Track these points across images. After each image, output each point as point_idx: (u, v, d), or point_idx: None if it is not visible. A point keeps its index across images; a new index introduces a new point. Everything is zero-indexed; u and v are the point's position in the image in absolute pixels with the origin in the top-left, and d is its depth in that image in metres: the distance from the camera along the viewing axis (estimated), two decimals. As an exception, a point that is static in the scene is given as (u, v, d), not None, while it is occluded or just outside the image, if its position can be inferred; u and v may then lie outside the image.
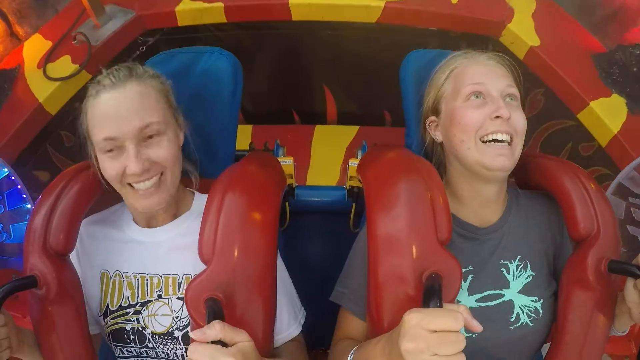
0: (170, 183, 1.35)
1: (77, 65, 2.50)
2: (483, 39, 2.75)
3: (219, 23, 2.81)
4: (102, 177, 1.38)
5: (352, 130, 3.41)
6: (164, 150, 1.32)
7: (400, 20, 2.74)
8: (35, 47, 2.63)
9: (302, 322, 1.45)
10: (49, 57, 2.55)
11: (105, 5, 2.63)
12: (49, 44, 2.59)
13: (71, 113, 2.70)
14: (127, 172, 1.28)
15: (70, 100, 2.56)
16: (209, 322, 1.06)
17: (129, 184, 1.32)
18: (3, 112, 2.48)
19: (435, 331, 0.93)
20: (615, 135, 2.33)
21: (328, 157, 3.24)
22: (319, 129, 3.48)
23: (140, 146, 1.29)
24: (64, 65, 2.52)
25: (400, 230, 1.18)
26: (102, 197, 1.47)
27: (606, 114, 2.37)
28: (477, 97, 1.35)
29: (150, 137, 1.30)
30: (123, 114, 1.27)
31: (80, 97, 2.60)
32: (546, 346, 1.38)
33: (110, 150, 1.29)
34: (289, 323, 1.40)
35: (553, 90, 2.56)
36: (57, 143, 2.76)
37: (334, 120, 3.58)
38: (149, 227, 1.46)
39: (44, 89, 2.48)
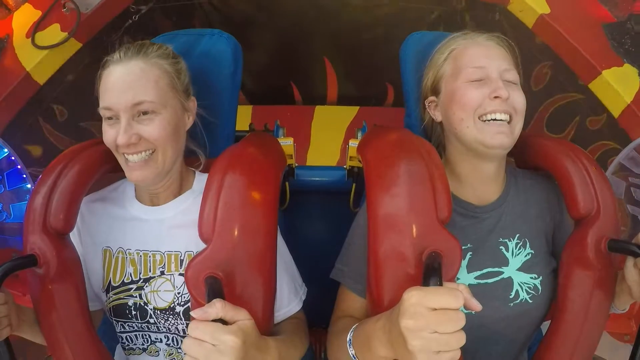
0: (160, 162, 1.37)
1: (66, 34, 2.46)
2: (490, 6, 2.69)
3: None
4: None
5: (352, 111, 3.41)
6: (155, 129, 1.34)
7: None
8: (24, 17, 2.58)
9: (303, 298, 1.47)
10: (38, 25, 2.50)
11: (97, -27, 2.58)
12: (38, 14, 2.53)
13: (62, 84, 2.67)
14: (117, 142, 1.32)
15: (61, 72, 2.55)
16: (208, 300, 1.07)
17: (123, 154, 1.36)
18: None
19: (435, 309, 0.93)
20: (628, 105, 2.28)
21: (328, 138, 3.24)
22: (319, 110, 3.48)
23: (132, 120, 1.33)
24: (53, 34, 2.48)
25: (400, 210, 1.18)
26: (103, 177, 1.47)
27: (619, 84, 2.32)
28: (476, 77, 1.35)
29: (145, 113, 1.34)
30: (120, 87, 1.33)
31: (70, 68, 2.60)
32: (546, 324, 1.39)
33: (109, 118, 1.34)
34: (289, 299, 1.42)
35: (564, 60, 2.51)
36: (49, 116, 2.74)
37: (334, 100, 3.57)
38: (152, 204, 1.47)
39: (32, 57, 2.45)
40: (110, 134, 1.34)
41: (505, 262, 1.39)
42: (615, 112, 2.36)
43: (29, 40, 2.47)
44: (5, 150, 2.16)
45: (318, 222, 1.68)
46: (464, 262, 1.35)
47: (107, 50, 1.40)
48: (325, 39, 3.33)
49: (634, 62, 2.38)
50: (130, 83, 1.33)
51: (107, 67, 1.36)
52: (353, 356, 1.17)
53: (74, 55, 2.55)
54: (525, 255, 1.40)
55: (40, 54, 2.46)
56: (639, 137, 2.06)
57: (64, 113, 2.79)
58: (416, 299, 0.95)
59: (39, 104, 2.63)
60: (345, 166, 2.15)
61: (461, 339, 0.92)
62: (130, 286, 1.44)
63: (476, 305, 0.99)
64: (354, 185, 2.11)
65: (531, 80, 2.76)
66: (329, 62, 3.45)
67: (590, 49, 2.40)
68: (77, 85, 2.72)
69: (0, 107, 2.41)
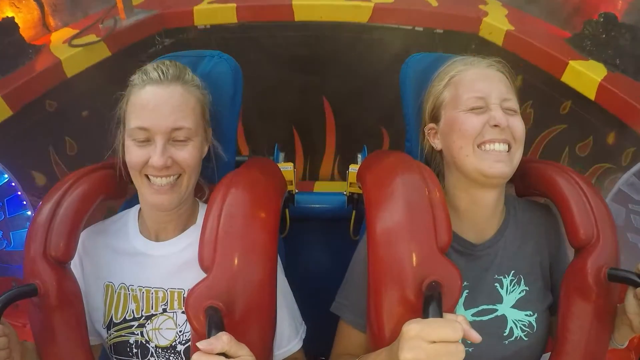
0: (184, 187, 1.38)
1: (100, 38, 2.78)
2: (465, 36, 2.98)
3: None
4: (121, 170, 1.45)
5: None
6: (188, 154, 1.35)
7: (389, 20, 3.06)
8: (63, 37, 2.86)
9: (303, 337, 1.46)
10: (75, 35, 2.80)
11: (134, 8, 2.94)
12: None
13: (78, 119, 2.78)
14: (150, 163, 1.31)
15: (79, 105, 2.71)
16: (209, 330, 1.06)
17: (146, 176, 1.35)
18: (20, 71, 2.61)
19: (435, 342, 0.93)
20: (600, 83, 2.45)
21: None
22: (319, 184, 3.71)
23: (168, 144, 1.32)
24: (88, 39, 2.78)
25: (399, 237, 1.18)
26: (102, 203, 1.47)
27: (588, 70, 2.54)
28: (476, 105, 1.34)
29: (179, 140, 1.33)
30: (161, 110, 1.31)
31: (86, 103, 2.70)
32: (546, 356, 1.38)
33: (139, 139, 1.32)
34: (289, 338, 1.42)
35: (534, 62, 2.77)
36: (60, 148, 2.81)
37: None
38: (157, 239, 1.46)
39: (66, 52, 2.69)
40: (140, 155, 1.32)
41: (500, 300, 1.38)
42: (591, 95, 2.52)
43: (65, 45, 2.74)
44: (6, 175, 2.16)
45: (318, 249, 1.67)
46: (461, 300, 1.35)
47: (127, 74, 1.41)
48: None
49: (598, 59, 2.62)
50: (172, 108, 1.32)
51: (143, 86, 1.33)
52: None
53: (102, 62, 2.79)
54: (520, 292, 1.40)
55: (74, 50, 2.69)
56: (639, 163, 2.06)
57: (74, 148, 2.86)
58: (415, 332, 0.95)
59: (53, 132, 2.71)
60: (345, 192, 2.14)
61: None
62: (132, 323, 1.42)
63: (475, 337, 0.98)
64: (354, 212, 2.11)
65: (577, 149, 2.85)
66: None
67: (555, 48, 2.71)
68: (91, 124, 2.83)
69: (22, 86, 2.53)
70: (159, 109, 1.31)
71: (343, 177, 3.69)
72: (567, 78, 2.60)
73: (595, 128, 2.66)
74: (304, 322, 1.50)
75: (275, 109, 3.52)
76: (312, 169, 3.90)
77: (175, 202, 1.37)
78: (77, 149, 2.90)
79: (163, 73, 1.35)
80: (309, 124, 3.73)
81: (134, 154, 1.33)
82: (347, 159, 3.64)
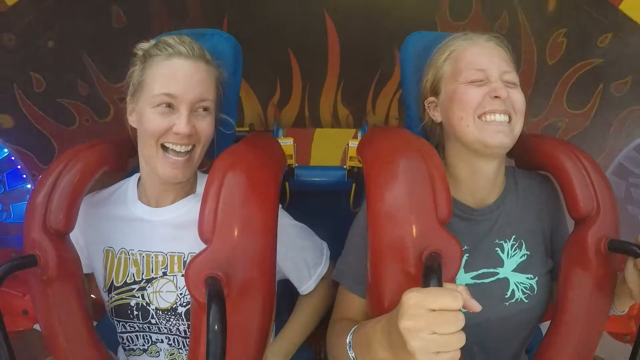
0: (197, 158, 1.41)
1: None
2: None
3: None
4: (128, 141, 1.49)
5: (350, 133, 3.42)
6: (207, 125, 1.40)
7: None
8: None
9: (328, 254, 1.61)
10: None
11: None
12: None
13: (43, 50, 2.66)
14: (175, 130, 1.33)
15: (42, 35, 2.54)
16: (208, 300, 1.06)
17: (162, 146, 1.36)
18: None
19: (434, 310, 0.93)
20: None
21: (328, 159, 3.25)
22: (319, 132, 3.55)
23: (191, 114, 1.36)
24: None
25: (399, 210, 1.17)
26: (102, 177, 1.47)
27: None
28: (476, 77, 1.35)
29: (200, 109, 1.38)
30: (190, 81, 1.36)
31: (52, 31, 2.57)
32: (546, 325, 1.39)
33: (162, 106, 1.34)
34: (316, 265, 1.57)
35: None
36: (26, 85, 2.72)
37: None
38: (156, 205, 1.47)
39: None
40: (162, 123, 1.34)
41: (501, 264, 1.40)
42: None
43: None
44: (5, 150, 2.16)
45: (318, 222, 1.68)
46: (462, 263, 1.35)
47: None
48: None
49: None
50: (199, 81, 1.37)
51: (169, 57, 1.36)
52: (353, 358, 1.17)
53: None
54: (521, 257, 1.41)
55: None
56: (639, 138, 2.06)
57: (41, 83, 2.75)
58: (415, 300, 0.95)
59: (16, 68, 2.59)
60: (345, 166, 2.14)
61: (461, 340, 0.92)
62: (133, 286, 1.45)
63: (475, 306, 0.98)
64: (354, 185, 2.11)
65: (546, 54, 2.72)
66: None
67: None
68: (59, 55, 2.70)
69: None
70: (188, 80, 1.36)
71: (347, 106, 3.57)
72: (625, 6, 2.35)
73: (636, 67, 2.51)
74: (323, 242, 1.65)
75: (269, 27, 3.34)
76: (311, 98, 3.66)
77: (187, 175, 1.41)
78: (45, 84, 2.81)
79: (191, 49, 1.39)
80: (307, 45, 3.50)
81: (155, 121, 1.35)
82: (352, 89, 3.53)
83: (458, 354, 0.93)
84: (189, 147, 1.37)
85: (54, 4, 2.67)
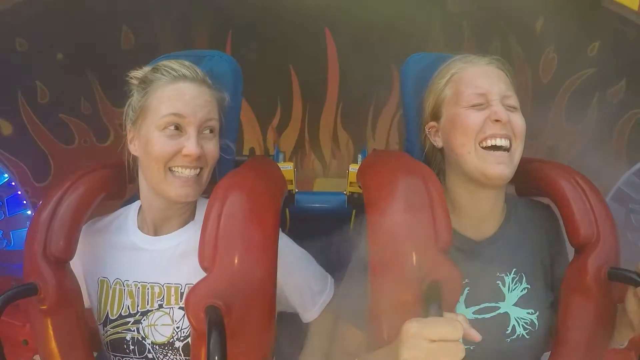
0: (204, 180, 1.41)
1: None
2: None
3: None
4: (127, 167, 1.47)
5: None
6: (213, 146, 1.41)
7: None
8: None
9: (332, 284, 1.57)
10: None
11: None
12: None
13: (51, 61, 2.62)
14: (184, 152, 1.33)
15: (52, 46, 2.49)
16: (208, 330, 1.06)
17: (170, 170, 1.36)
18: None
19: (435, 341, 0.92)
20: None
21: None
22: (319, 182, 3.61)
23: (199, 135, 1.37)
24: None
25: (400, 238, 1.17)
26: (102, 203, 1.48)
27: None
28: (477, 102, 1.35)
29: (207, 131, 1.39)
30: (196, 102, 1.37)
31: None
32: (547, 355, 1.38)
33: (170, 128, 1.34)
34: (321, 292, 1.54)
35: None
36: (30, 93, 2.68)
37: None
38: (155, 234, 1.46)
39: None
40: (170, 146, 1.34)
41: (502, 297, 1.38)
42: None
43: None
44: (6, 175, 2.16)
45: (318, 249, 1.67)
46: (462, 297, 1.35)
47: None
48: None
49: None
50: (204, 102, 1.38)
51: (174, 80, 1.37)
52: None
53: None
54: (522, 290, 1.40)
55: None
56: (638, 163, 2.06)
57: (45, 95, 2.72)
58: (415, 330, 0.95)
59: (22, 75, 2.55)
60: (345, 192, 2.14)
61: None
62: (128, 319, 1.42)
63: (475, 336, 0.98)
64: (354, 211, 2.11)
65: (540, 72, 2.70)
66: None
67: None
68: (67, 70, 2.67)
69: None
70: (195, 101, 1.37)
71: (346, 129, 3.54)
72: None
73: (628, 69, 2.46)
74: (328, 274, 1.61)
75: (265, 46, 3.32)
76: (311, 120, 3.66)
77: (197, 194, 1.41)
78: (49, 96, 2.78)
79: (195, 73, 1.40)
80: (307, 62, 3.49)
81: (164, 144, 1.34)
82: (352, 110, 3.52)
83: None
84: (197, 171, 1.37)
85: (68, 17, 2.64)
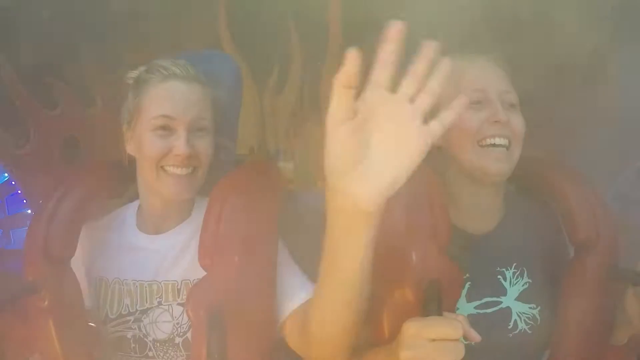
0: (199, 179, 1.41)
1: None
2: None
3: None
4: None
5: None
6: (206, 145, 1.40)
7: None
8: None
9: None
10: None
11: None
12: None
13: (36, 17, 2.42)
14: (175, 152, 1.33)
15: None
16: (209, 328, 1.07)
17: (162, 169, 1.36)
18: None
19: (434, 340, 0.93)
20: None
21: None
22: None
23: (190, 134, 1.36)
24: None
25: (399, 237, 1.17)
26: (103, 202, 1.48)
27: None
28: (475, 100, 1.34)
29: (198, 130, 1.38)
30: (186, 102, 1.37)
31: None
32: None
33: (160, 129, 1.35)
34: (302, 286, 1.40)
35: None
36: (12, 56, 2.40)
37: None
38: (154, 232, 1.47)
39: None
40: (161, 146, 1.34)
41: (504, 292, 1.38)
42: None
43: None
44: (6, 174, 2.17)
45: (317, 248, 1.67)
46: (463, 292, 1.34)
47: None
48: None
49: None
50: (195, 101, 1.38)
51: (165, 80, 1.37)
52: None
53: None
54: (523, 285, 1.39)
55: None
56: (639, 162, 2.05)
57: (28, 54, 2.52)
58: (415, 329, 0.95)
59: (4, 35, 2.39)
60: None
61: None
62: (128, 318, 1.43)
63: (475, 336, 0.98)
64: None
65: None
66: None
67: None
68: (54, 27, 2.46)
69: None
70: (184, 101, 1.37)
71: None
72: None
73: None
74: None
75: None
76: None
77: (192, 191, 1.41)
78: (32, 57, 2.49)
79: (186, 70, 1.40)
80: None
81: (155, 145, 1.35)
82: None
83: None
84: (190, 169, 1.37)
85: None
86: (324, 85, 3.14)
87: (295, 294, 1.36)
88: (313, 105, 3.27)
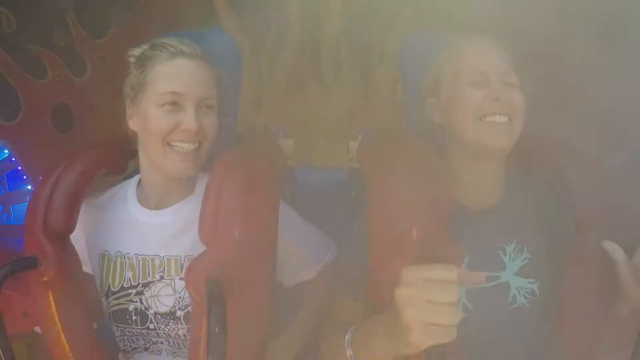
0: (203, 155, 1.41)
1: None
2: None
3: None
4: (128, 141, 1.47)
5: None
6: (212, 122, 1.41)
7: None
8: None
9: (335, 250, 1.62)
10: None
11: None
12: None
13: None
14: (183, 127, 1.34)
15: None
16: (209, 302, 1.07)
17: (168, 144, 1.36)
18: None
19: (430, 280, 0.95)
20: None
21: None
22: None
23: (197, 111, 1.37)
24: None
25: (400, 212, 1.17)
26: (102, 178, 1.48)
27: None
28: (476, 79, 1.35)
29: (206, 107, 1.40)
30: (195, 79, 1.38)
31: None
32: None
33: (168, 104, 1.35)
34: (319, 254, 1.59)
35: None
36: None
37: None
38: (155, 207, 1.47)
39: None
40: (168, 122, 1.35)
41: (503, 267, 1.39)
42: None
43: None
44: (6, 151, 2.17)
45: (318, 224, 1.68)
46: (463, 265, 1.35)
47: None
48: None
49: None
50: (203, 79, 1.40)
51: (173, 57, 1.37)
52: (351, 356, 1.17)
53: None
54: (523, 260, 1.40)
55: None
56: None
57: (12, 22, 2.47)
58: (412, 272, 0.97)
59: None
60: (345, 168, 2.14)
61: (455, 315, 0.93)
62: (130, 291, 1.44)
63: (479, 277, 1.01)
64: (354, 187, 2.11)
65: None
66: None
67: None
68: None
69: None
70: (193, 78, 1.38)
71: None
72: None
73: None
74: (331, 239, 1.66)
75: None
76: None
77: (196, 168, 1.42)
78: (17, 24, 2.48)
79: (193, 49, 1.40)
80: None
81: (161, 120, 1.35)
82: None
83: (454, 334, 0.94)
84: (196, 145, 1.38)
85: None
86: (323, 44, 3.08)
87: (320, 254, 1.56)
88: (313, 63, 3.23)
